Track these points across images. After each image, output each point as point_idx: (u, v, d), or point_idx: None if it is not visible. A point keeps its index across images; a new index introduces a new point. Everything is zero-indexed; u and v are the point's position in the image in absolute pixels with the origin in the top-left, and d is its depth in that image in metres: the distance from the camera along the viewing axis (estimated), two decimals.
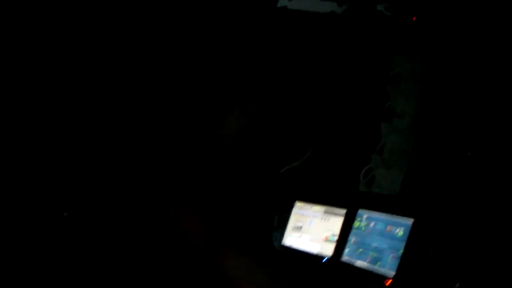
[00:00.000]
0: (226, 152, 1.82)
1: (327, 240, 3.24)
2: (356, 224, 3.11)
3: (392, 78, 3.70)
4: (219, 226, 1.63)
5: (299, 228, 3.43)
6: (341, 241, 3.15)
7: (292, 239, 3.44)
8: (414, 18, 3.60)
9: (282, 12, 3.31)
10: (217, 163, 1.80)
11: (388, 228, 2.94)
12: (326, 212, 3.33)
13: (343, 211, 3.23)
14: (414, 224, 2.84)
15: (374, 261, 2.91)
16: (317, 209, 3.38)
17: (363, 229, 3.07)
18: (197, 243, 1.64)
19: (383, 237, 2.93)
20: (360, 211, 3.13)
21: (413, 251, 2.80)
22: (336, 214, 3.27)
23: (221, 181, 1.83)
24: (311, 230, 3.36)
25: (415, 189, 3.33)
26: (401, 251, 2.81)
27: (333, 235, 3.22)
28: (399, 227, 2.88)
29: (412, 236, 2.82)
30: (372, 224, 3.04)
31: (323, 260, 3.20)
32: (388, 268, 2.81)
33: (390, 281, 2.78)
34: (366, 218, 3.08)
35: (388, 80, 3.71)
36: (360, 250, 3.02)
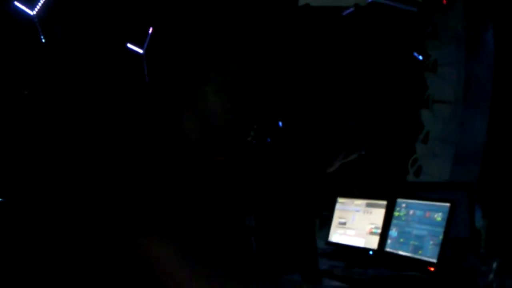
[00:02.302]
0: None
1: (371, 233, 3.21)
2: (396, 213, 3.07)
3: (428, 65, 3.62)
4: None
5: (343, 224, 3.41)
6: (384, 233, 3.11)
7: (337, 236, 3.43)
8: (445, 1, 3.52)
9: (304, 10, 3.33)
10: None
11: (427, 214, 2.88)
12: (368, 205, 3.30)
13: (384, 202, 3.19)
14: (451, 208, 2.77)
15: (416, 250, 2.86)
16: (359, 203, 3.35)
17: (403, 218, 3.02)
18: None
19: (422, 224, 2.88)
20: (399, 200, 3.08)
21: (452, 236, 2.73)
22: (377, 206, 3.23)
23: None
24: (355, 224, 3.33)
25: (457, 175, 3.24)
26: (441, 237, 2.75)
27: (377, 227, 3.18)
28: (437, 212, 2.82)
29: (450, 220, 2.75)
30: (411, 212, 2.99)
31: (370, 253, 3.17)
32: (429, 256, 2.76)
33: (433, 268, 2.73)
34: (404, 207, 3.03)
35: (424, 67, 3.64)
36: (402, 240, 2.97)
